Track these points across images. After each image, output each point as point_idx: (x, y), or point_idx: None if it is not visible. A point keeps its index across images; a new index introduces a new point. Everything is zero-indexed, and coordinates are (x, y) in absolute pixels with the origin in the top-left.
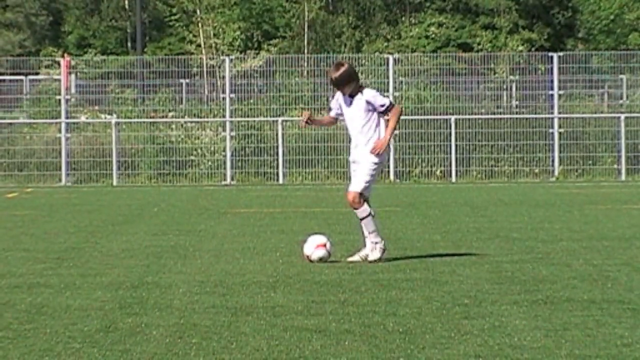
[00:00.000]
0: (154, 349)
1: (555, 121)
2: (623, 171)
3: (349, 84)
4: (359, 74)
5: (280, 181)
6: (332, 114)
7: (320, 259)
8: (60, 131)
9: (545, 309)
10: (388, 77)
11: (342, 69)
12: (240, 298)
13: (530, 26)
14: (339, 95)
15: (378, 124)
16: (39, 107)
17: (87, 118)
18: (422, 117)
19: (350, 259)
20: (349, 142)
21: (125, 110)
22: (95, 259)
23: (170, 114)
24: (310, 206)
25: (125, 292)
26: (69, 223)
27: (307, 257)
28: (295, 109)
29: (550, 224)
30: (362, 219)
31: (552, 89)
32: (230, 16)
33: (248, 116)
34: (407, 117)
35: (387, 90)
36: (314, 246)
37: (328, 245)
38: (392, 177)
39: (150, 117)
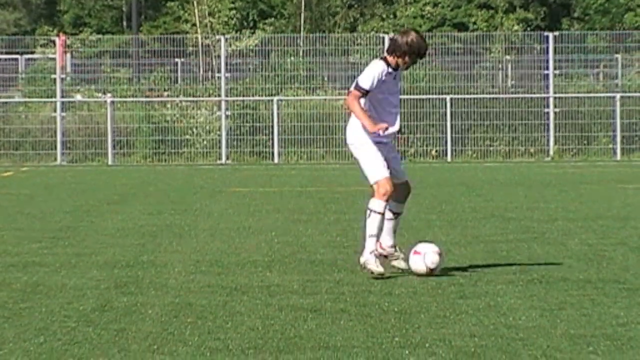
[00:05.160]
0: (149, 328)
1: (551, 101)
2: (618, 151)
3: None
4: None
5: (276, 160)
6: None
7: (437, 265)
8: (55, 110)
9: (541, 288)
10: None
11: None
12: (236, 277)
13: (526, 5)
14: (384, 70)
15: None
16: (34, 86)
17: (82, 97)
18: (418, 96)
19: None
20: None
21: (120, 89)
22: (91, 238)
23: (166, 93)
24: (305, 185)
25: (120, 271)
26: (65, 202)
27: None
28: (291, 88)
29: (546, 204)
30: (378, 213)
31: (547, 68)
32: None
33: (243, 95)
34: (402, 96)
35: None
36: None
37: (427, 258)
38: None
39: (146, 96)
